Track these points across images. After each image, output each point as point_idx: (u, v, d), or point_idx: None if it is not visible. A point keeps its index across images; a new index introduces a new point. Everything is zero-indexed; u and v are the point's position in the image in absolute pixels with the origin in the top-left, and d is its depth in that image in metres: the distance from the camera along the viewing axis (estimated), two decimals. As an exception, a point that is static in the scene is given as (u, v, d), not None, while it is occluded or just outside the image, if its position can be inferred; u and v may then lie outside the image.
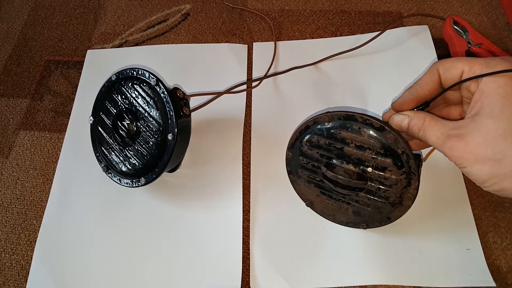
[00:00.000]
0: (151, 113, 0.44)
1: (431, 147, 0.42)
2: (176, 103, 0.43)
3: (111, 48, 0.62)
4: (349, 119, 0.39)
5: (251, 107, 0.54)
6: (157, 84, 0.44)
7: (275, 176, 0.49)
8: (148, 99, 0.44)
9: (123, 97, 0.46)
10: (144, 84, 0.44)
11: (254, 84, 0.55)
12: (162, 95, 0.43)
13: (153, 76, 0.44)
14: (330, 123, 0.40)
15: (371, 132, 0.38)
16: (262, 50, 0.59)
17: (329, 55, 0.56)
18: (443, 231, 0.44)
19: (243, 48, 0.60)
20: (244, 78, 0.57)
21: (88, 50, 0.62)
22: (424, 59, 0.55)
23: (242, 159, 0.50)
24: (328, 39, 0.59)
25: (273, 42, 0.59)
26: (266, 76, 0.55)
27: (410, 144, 0.39)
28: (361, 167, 0.39)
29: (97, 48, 0.62)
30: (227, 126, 0.53)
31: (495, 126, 0.30)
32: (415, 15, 0.60)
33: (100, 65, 0.60)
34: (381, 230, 0.44)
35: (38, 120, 0.57)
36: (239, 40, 0.61)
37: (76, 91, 0.58)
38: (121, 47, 0.62)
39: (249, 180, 0.49)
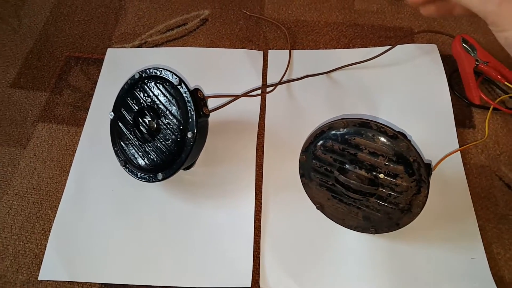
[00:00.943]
0: (172, 111, 0.45)
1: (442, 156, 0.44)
2: (197, 103, 0.45)
3: (130, 48, 0.64)
4: (364, 126, 0.40)
5: (265, 111, 0.56)
6: (179, 84, 0.45)
7: (286, 178, 0.50)
8: (170, 98, 0.46)
9: (146, 94, 0.47)
10: (167, 84, 0.46)
11: (269, 89, 0.56)
12: (184, 94, 0.45)
13: (176, 76, 0.45)
14: (345, 129, 0.42)
15: (384, 139, 0.39)
16: (277, 57, 0.61)
17: (342, 65, 0.58)
18: (449, 240, 0.46)
19: (259, 54, 0.62)
20: (259, 84, 0.59)
21: (108, 49, 0.63)
22: (433, 76, 0.57)
23: (255, 161, 0.52)
24: (341, 50, 0.62)
25: (288, 50, 0.61)
26: (280, 82, 0.57)
27: (430, 8, 0.34)
28: (373, 173, 0.41)
29: (117, 47, 0.64)
30: (241, 129, 0.55)
31: None
32: (426, 31, 0.62)
33: (119, 64, 0.61)
34: (389, 236, 0.45)
35: (57, 113, 0.58)
36: (255, 46, 0.63)
37: (95, 87, 0.60)
38: (140, 47, 0.64)
39: (261, 182, 0.51)
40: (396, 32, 0.63)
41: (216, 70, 0.61)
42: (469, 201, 0.48)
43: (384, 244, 0.46)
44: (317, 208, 0.47)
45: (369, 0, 0.66)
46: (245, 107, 0.56)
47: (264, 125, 0.55)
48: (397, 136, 0.39)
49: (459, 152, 0.51)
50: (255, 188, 0.50)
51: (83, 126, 0.56)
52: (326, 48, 0.62)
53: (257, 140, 0.54)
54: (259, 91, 0.57)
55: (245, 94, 0.53)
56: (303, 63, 0.60)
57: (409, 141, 0.39)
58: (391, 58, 0.58)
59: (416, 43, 0.61)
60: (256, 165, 0.52)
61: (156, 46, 0.64)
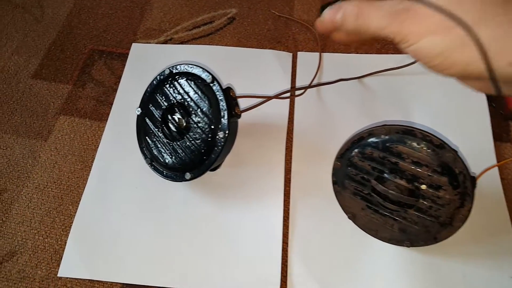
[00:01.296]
0: (203, 110, 0.44)
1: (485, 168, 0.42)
2: (229, 102, 0.44)
3: (155, 44, 0.62)
4: (408, 133, 0.39)
5: (293, 114, 0.54)
6: (212, 82, 0.44)
7: (315, 185, 0.49)
8: (202, 96, 0.44)
9: (176, 91, 0.46)
10: (199, 81, 0.45)
11: (299, 92, 0.55)
12: (217, 93, 0.43)
13: (208, 74, 0.44)
14: (387, 136, 0.40)
15: (429, 149, 0.38)
16: (307, 60, 0.60)
17: (375, 71, 0.57)
18: (486, 256, 0.44)
19: (288, 56, 0.60)
20: (288, 86, 0.57)
21: (133, 44, 0.62)
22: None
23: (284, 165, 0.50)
24: (374, 56, 0.60)
25: (318, 53, 0.60)
26: (311, 86, 0.55)
27: (340, 35, 0.34)
28: (415, 184, 0.39)
29: (142, 43, 0.62)
30: (269, 131, 0.53)
31: None
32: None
33: (144, 59, 0.60)
34: (424, 250, 0.44)
35: (79, 106, 0.57)
36: (283, 48, 0.61)
37: (118, 82, 0.58)
38: (166, 44, 0.62)
39: (289, 187, 0.49)
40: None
41: (243, 70, 0.59)
42: (506, 217, 0.46)
43: (418, 258, 0.44)
44: (348, 217, 0.45)
45: None
46: (273, 109, 0.54)
47: (293, 128, 0.53)
48: (443, 146, 0.37)
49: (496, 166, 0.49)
50: (283, 193, 0.49)
51: (106, 121, 0.55)
52: (357, 53, 0.60)
53: (286, 144, 0.52)
54: (300, 91, 0.55)
55: (277, 96, 0.51)
56: (333, 67, 0.59)
57: (456, 151, 0.37)
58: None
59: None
60: (284, 170, 0.50)
61: (182, 43, 0.62)
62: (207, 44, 0.62)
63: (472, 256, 0.44)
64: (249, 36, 0.63)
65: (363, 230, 0.45)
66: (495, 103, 0.55)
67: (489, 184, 0.48)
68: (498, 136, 0.52)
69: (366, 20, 0.30)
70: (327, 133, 0.52)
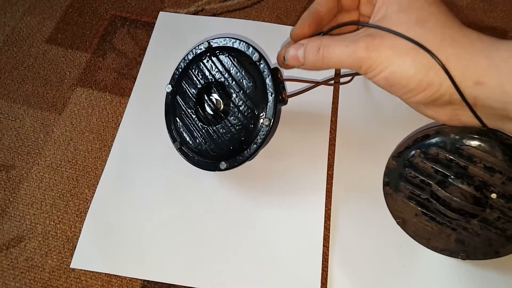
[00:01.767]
0: (247, 92, 0.39)
1: None
2: (277, 85, 0.38)
3: (185, 14, 0.56)
4: (483, 135, 0.34)
5: (337, 104, 0.49)
6: (259, 60, 0.38)
7: (361, 184, 0.44)
8: (246, 76, 0.39)
9: (215, 68, 0.40)
10: (244, 58, 0.39)
11: (346, 79, 0.49)
12: (264, 73, 0.38)
13: (254, 50, 0.39)
14: (457, 136, 0.35)
15: (507, 153, 0.33)
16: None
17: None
18: (551, 276, 0.40)
19: (330, 38, 0.55)
20: (332, 70, 0.52)
21: (160, 12, 0.56)
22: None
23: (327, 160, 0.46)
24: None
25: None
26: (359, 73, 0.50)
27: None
28: (484, 192, 0.35)
29: (170, 12, 0.56)
30: (311, 121, 0.48)
31: (407, 18, 0.28)
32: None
33: (173, 30, 0.54)
34: (480, 263, 0.39)
35: (99, 78, 0.51)
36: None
37: (143, 53, 0.52)
38: (197, 14, 0.56)
39: (331, 184, 0.45)
40: (488, 32, 0.55)
41: (281, 50, 0.54)
42: None
43: (473, 272, 0.40)
44: (397, 223, 0.41)
45: (457, -8, 0.59)
46: (315, 96, 0.49)
47: (336, 120, 0.48)
48: (525, 152, 0.33)
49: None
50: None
51: (129, 96, 0.49)
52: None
53: (329, 136, 0.47)
54: (345, 79, 0.49)
55: (326, 82, 0.46)
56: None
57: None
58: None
59: None
60: (327, 165, 0.45)
61: (214, 15, 0.56)
62: (242, 18, 0.56)
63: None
64: (289, 13, 0.57)
65: (413, 238, 0.41)
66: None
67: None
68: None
69: (328, 51, 0.30)
70: (376, 127, 0.47)
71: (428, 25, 0.27)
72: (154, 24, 0.55)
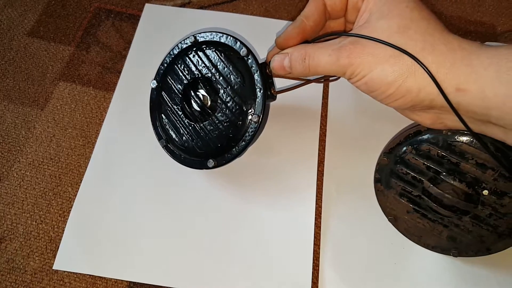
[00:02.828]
0: (235, 88, 0.38)
1: None
2: (265, 81, 0.37)
3: (172, 6, 0.55)
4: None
5: (327, 99, 0.48)
6: (247, 55, 0.37)
7: (352, 180, 0.43)
8: (234, 71, 0.38)
9: (202, 63, 0.39)
10: (231, 53, 0.38)
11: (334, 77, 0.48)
12: (252, 68, 0.37)
13: (242, 45, 0.37)
14: (449, 132, 0.34)
15: (499, 149, 0.33)
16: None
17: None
18: (542, 272, 0.40)
19: (321, 31, 0.54)
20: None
21: (146, 4, 0.54)
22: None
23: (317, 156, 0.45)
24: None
25: (353, 31, 0.53)
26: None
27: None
28: (476, 188, 0.34)
29: (156, 4, 0.55)
30: (300, 116, 0.47)
31: (388, 25, 0.28)
32: (511, 31, 0.55)
33: (159, 23, 0.53)
34: (472, 260, 0.39)
35: (82, 73, 0.49)
36: (315, 22, 0.55)
37: (129, 47, 0.51)
38: (183, 7, 0.55)
39: (321, 181, 0.44)
40: (476, 27, 0.55)
41: (270, 44, 0.52)
42: None
43: (464, 269, 0.40)
44: (389, 220, 0.40)
45: (447, -14, 0.59)
46: (304, 91, 0.48)
47: (327, 115, 0.47)
48: (517, 149, 0.32)
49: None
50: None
51: (113, 91, 0.48)
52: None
53: (319, 131, 0.46)
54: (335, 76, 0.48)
55: (318, 80, 0.45)
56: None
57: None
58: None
59: (501, 43, 0.54)
60: (317, 161, 0.45)
61: (201, 8, 0.55)
62: (230, 11, 0.55)
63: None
64: (278, 6, 0.56)
65: (404, 235, 0.40)
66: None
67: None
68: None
69: (314, 60, 0.31)
70: (367, 122, 0.47)
71: (409, 33, 0.28)
72: (140, 16, 0.53)
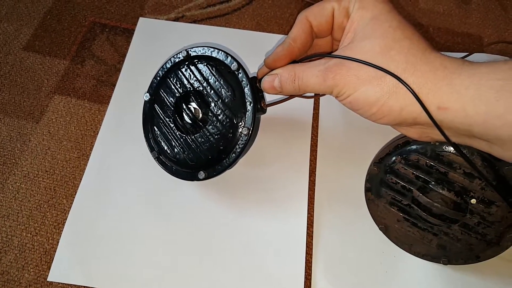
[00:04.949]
0: (225, 101, 0.38)
1: None
2: (256, 94, 0.38)
3: (165, 20, 0.56)
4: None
5: (318, 110, 0.49)
6: (237, 70, 0.38)
7: (343, 190, 0.44)
8: (225, 85, 0.39)
9: (193, 77, 0.40)
10: (223, 68, 0.39)
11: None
12: (242, 82, 0.38)
13: (233, 60, 0.38)
14: (438, 143, 0.35)
15: (486, 159, 0.33)
16: (332, 49, 0.54)
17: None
18: (531, 279, 0.40)
19: (312, 44, 0.55)
20: (312, 77, 0.52)
21: (140, 18, 0.55)
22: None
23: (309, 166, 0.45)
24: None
25: (344, 43, 0.54)
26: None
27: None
28: (464, 197, 0.35)
29: (150, 18, 0.56)
30: (292, 128, 0.48)
31: (371, 45, 0.29)
32: (498, 42, 0.56)
33: (152, 37, 0.54)
34: (461, 268, 0.39)
35: (77, 86, 0.50)
36: (306, 35, 0.56)
37: (123, 61, 0.52)
38: (177, 21, 0.56)
39: (313, 191, 0.44)
40: (464, 38, 0.56)
41: (262, 57, 0.53)
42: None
43: (454, 276, 0.40)
44: (380, 229, 0.41)
45: (435, 0, 0.60)
46: (296, 103, 0.49)
47: (317, 126, 0.48)
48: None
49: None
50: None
51: (108, 104, 0.49)
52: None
53: (311, 142, 0.47)
54: None
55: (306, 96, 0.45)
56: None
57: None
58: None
59: (488, 54, 0.55)
60: (309, 171, 0.45)
61: (194, 22, 0.56)
62: (223, 25, 0.56)
63: (513, 278, 0.40)
64: (269, 20, 0.57)
65: (395, 243, 0.41)
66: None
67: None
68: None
69: (303, 81, 0.32)
70: (358, 132, 0.47)
71: (391, 53, 0.28)
72: (134, 30, 0.54)
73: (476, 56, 0.54)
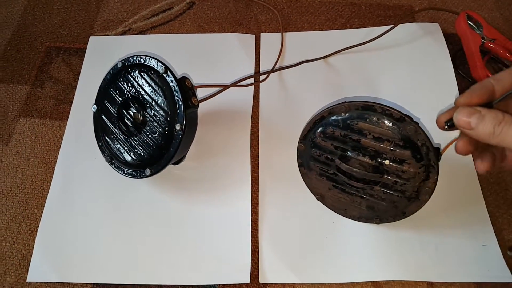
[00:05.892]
0: (158, 102, 0.42)
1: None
2: (185, 93, 0.42)
3: (114, 35, 0.60)
4: (368, 109, 0.38)
5: (258, 99, 0.53)
6: (165, 72, 0.42)
7: (283, 169, 0.48)
8: (156, 88, 0.43)
9: (130, 85, 0.44)
10: (152, 72, 0.43)
11: (262, 77, 0.53)
12: (170, 83, 0.42)
13: (161, 64, 0.42)
14: (347, 114, 0.39)
15: (390, 123, 0.37)
16: (270, 41, 0.58)
17: (340, 49, 0.55)
18: (458, 227, 0.44)
19: (251, 38, 0.58)
20: (252, 69, 0.55)
21: (90, 37, 0.60)
22: (436, 56, 0.54)
23: (250, 152, 0.49)
24: (338, 31, 0.58)
25: (280, 33, 0.58)
26: (273, 70, 0.54)
27: (457, 145, 0.35)
28: (378, 160, 0.38)
29: (100, 35, 0.60)
30: (234, 118, 0.52)
31: None
32: (427, 9, 0.59)
33: (103, 53, 0.58)
34: (395, 225, 0.43)
35: (39, 107, 0.55)
36: (246, 30, 0.59)
37: (78, 78, 0.56)
38: (125, 34, 0.60)
39: (257, 173, 0.48)
40: (395, 11, 0.59)
41: (206, 56, 0.57)
42: (477, 187, 0.46)
43: (389, 234, 0.44)
44: (317, 199, 0.44)
45: (366, -23, 0.63)
46: (237, 95, 0.53)
47: (259, 114, 0.52)
48: (404, 119, 0.36)
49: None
50: (251, 180, 0.48)
51: (67, 120, 0.53)
52: (322, 30, 0.59)
53: (251, 130, 0.51)
54: (252, 80, 0.53)
55: (235, 84, 0.49)
56: (298, 47, 0.57)
57: (417, 123, 0.36)
58: (392, 38, 0.55)
59: (417, 22, 0.58)
60: (251, 156, 0.49)
61: (141, 33, 0.60)
62: (167, 32, 0.60)
63: (444, 228, 0.44)
64: (210, 21, 0.61)
65: (332, 210, 0.44)
66: (463, 71, 0.54)
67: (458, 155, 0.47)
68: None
69: (509, 129, 0.29)
70: (293, 116, 0.51)
71: None
72: (86, 49, 0.59)
73: (404, 27, 0.56)
